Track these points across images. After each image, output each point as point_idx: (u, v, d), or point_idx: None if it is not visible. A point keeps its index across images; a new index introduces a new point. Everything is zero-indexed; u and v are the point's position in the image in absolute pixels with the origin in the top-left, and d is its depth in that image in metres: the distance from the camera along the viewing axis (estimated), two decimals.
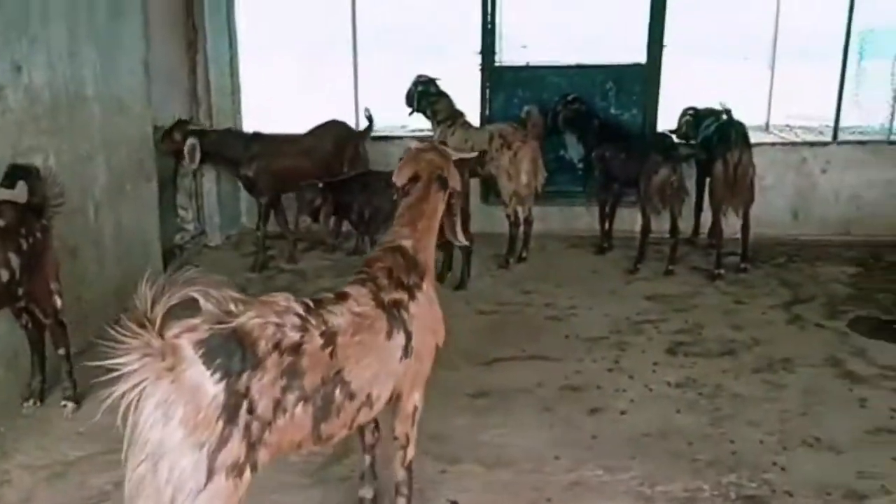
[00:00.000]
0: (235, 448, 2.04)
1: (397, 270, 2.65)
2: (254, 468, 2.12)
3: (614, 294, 5.63)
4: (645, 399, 4.12)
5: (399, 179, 2.92)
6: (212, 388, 2.00)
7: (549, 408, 4.01)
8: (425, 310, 2.70)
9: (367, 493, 3.16)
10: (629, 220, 6.56)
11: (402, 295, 2.60)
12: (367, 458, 3.13)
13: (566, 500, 3.25)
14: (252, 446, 2.08)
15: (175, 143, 5.99)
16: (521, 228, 6.26)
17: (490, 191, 6.69)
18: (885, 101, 8.89)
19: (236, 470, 2.06)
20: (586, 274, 6.04)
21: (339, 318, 2.34)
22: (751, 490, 3.32)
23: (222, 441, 2.01)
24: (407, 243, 2.76)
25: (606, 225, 6.54)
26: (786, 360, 4.55)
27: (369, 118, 6.51)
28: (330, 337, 2.28)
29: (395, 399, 2.70)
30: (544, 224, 6.80)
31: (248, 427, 2.06)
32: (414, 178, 2.89)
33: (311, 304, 2.31)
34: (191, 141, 5.92)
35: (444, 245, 5.77)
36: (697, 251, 6.51)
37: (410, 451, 2.92)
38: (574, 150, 6.83)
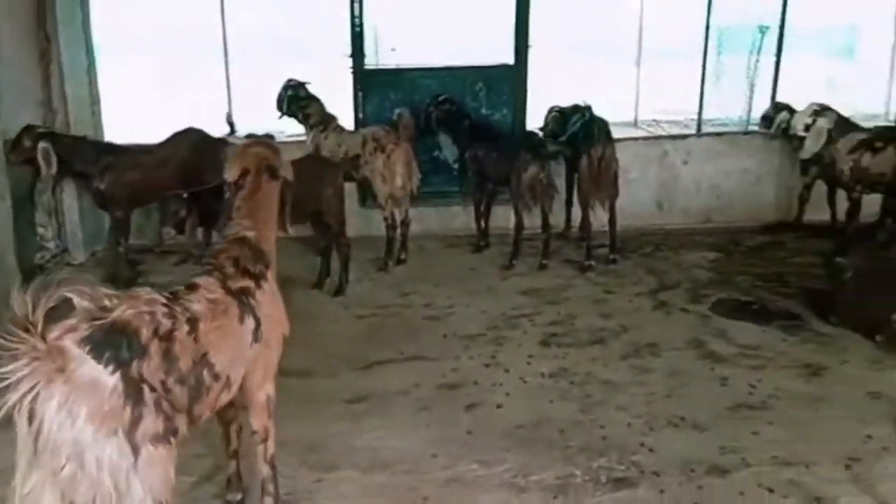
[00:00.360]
0: (151, 423, 2.14)
1: (243, 260, 2.75)
2: (175, 434, 2.24)
3: (491, 290, 5.72)
4: (520, 391, 4.20)
5: (230, 175, 3.01)
6: (109, 379, 2.07)
7: (427, 407, 4.03)
8: (270, 298, 2.82)
9: (234, 497, 3.22)
10: (504, 217, 6.68)
11: (248, 283, 2.71)
12: (233, 464, 3.21)
13: (442, 497, 3.27)
14: (169, 419, 2.21)
15: (26, 151, 5.52)
16: (399, 230, 6.28)
17: (367, 194, 6.67)
18: (743, 94, 9.45)
19: (160, 439, 2.17)
20: (464, 272, 6.11)
21: (197, 305, 2.45)
22: (620, 472, 3.44)
23: (134, 421, 2.10)
24: (250, 234, 2.86)
25: (482, 223, 6.64)
26: (652, 345, 4.74)
27: (231, 124, 6.37)
28: (193, 323, 2.39)
29: (246, 391, 2.80)
30: (422, 225, 6.85)
31: (157, 403, 2.18)
32: (245, 173, 2.98)
33: (170, 295, 2.42)
34: (42, 145, 5.48)
35: (323, 251, 5.75)
36: (570, 245, 6.69)
37: (271, 446, 3.00)
38: (448, 150, 6.90)
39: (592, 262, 6.10)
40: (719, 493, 3.28)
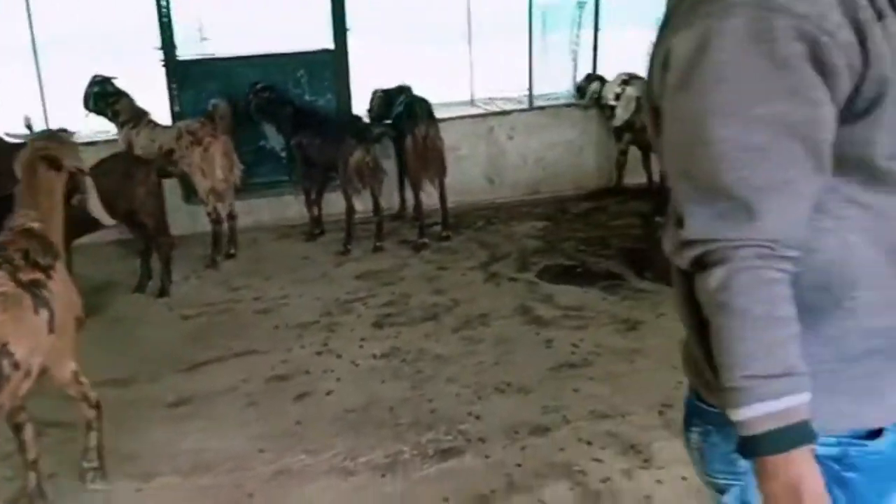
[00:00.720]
0: None
1: (33, 252, 2.77)
2: None
3: (325, 277, 5.65)
4: (351, 376, 4.17)
5: (17, 170, 3.04)
6: None
7: (255, 402, 3.93)
8: (62, 287, 2.87)
9: None
10: (339, 203, 6.59)
11: (38, 275, 2.74)
12: (33, 477, 3.05)
13: (268, 491, 3.21)
14: None
15: None
16: (226, 224, 6.08)
17: (190, 190, 6.41)
18: (569, 68, 9.77)
19: None
20: (297, 262, 5.99)
21: None
22: (448, 443, 3.48)
23: None
24: (36, 225, 2.89)
25: (315, 211, 6.54)
26: (482, 316, 4.83)
27: (29, 126, 5.93)
28: None
29: (53, 377, 2.93)
30: (253, 217, 6.68)
31: None
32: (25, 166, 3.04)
33: None
34: None
35: (143, 252, 5.47)
36: (406, 225, 6.69)
37: (92, 395, 3.13)
38: (275, 139, 6.75)
39: (426, 241, 6.15)
40: (541, 452, 3.39)
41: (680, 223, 1.21)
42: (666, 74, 1.23)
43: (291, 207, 6.93)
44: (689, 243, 1.20)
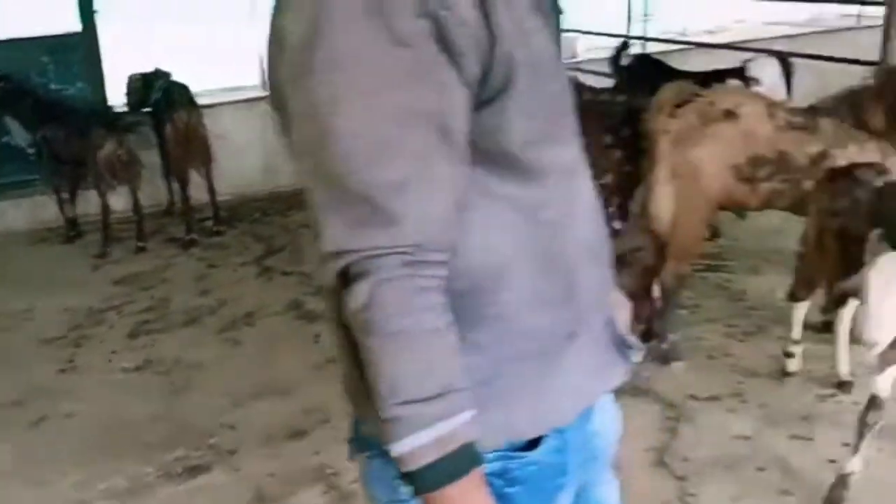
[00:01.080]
0: None
1: None
2: None
3: (78, 285, 5.16)
4: (96, 394, 3.82)
5: None
6: None
7: None
8: None
9: None
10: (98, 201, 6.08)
11: None
12: None
13: None
14: None
15: None
16: None
17: None
18: None
19: None
20: (49, 268, 5.45)
21: None
22: (196, 460, 3.26)
23: None
24: None
25: (70, 211, 5.98)
26: (248, 315, 4.59)
27: None
28: None
29: None
30: (1, 222, 6.03)
31: None
32: None
33: None
34: None
35: None
36: (175, 221, 6.25)
37: None
38: (20, 134, 6.08)
39: (195, 237, 5.79)
40: (296, 458, 3.23)
41: (319, 234, 1.07)
42: (283, 62, 1.07)
43: (46, 209, 6.29)
44: (328, 256, 1.05)
